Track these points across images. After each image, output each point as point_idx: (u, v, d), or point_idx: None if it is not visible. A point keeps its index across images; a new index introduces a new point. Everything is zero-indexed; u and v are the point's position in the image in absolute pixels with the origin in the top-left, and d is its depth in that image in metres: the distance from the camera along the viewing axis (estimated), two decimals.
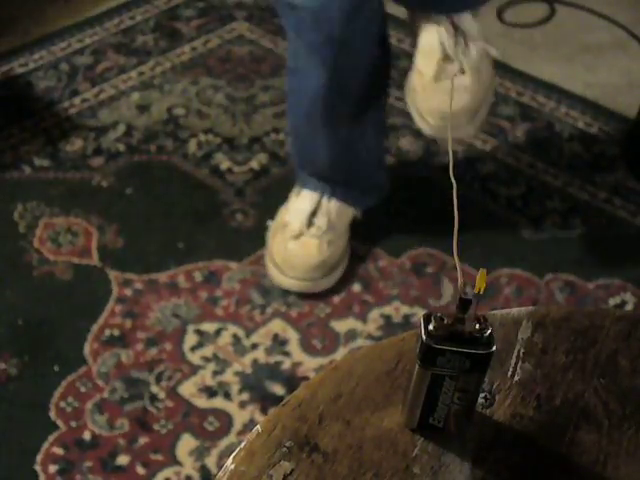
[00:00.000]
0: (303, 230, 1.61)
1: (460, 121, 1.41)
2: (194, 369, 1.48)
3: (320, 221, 1.62)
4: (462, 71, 1.51)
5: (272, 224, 1.67)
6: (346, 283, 1.62)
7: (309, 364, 1.50)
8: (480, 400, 0.73)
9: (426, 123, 1.53)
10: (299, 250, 1.59)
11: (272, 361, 1.50)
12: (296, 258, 1.58)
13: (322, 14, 1.42)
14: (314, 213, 1.62)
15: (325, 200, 1.63)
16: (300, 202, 1.64)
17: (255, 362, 1.50)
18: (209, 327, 1.54)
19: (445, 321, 0.66)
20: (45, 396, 1.43)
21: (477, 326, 0.66)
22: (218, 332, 1.54)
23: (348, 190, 1.64)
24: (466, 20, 1.54)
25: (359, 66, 1.52)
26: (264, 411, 1.43)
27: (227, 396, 1.45)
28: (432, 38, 1.51)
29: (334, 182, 1.62)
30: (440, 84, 1.50)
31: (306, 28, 1.46)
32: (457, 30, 1.51)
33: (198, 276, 1.62)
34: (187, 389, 1.46)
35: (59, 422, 1.40)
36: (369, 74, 1.54)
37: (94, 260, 1.64)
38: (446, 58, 1.51)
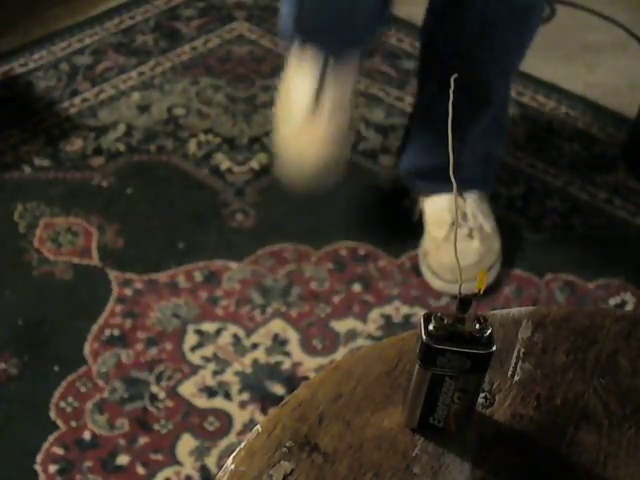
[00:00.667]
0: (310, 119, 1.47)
1: (470, 275, 1.52)
2: (194, 369, 1.48)
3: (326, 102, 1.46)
4: (471, 236, 1.60)
5: (280, 109, 1.54)
6: (346, 283, 1.62)
7: (309, 364, 1.50)
8: (480, 400, 0.73)
9: (437, 277, 1.59)
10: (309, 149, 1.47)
11: (272, 361, 1.50)
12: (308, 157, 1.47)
13: None
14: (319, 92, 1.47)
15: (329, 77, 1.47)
16: (301, 88, 1.49)
17: (255, 362, 1.50)
18: (209, 327, 1.54)
19: (445, 321, 0.66)
20: (45, 396, 1.43)
21: (477, 326, 0.66)
22: (218, 332, 1.54)
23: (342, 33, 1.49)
24: (472, 198, 1.63)
25: None
26: (264, 411, 1.43)
27: (227, 396, 1.45)
28: (442, 208, 1.61)
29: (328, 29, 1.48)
30: (450, 244, 1.56)
31: None
32: (466, 204, 1.61)
33: (198, 276, 1.62)
34: (187, 389, 1.45)
35: (59, 422, 1.40)
36: None
37: (94, 260, 1.64)
38: (455, 223, 1.60)
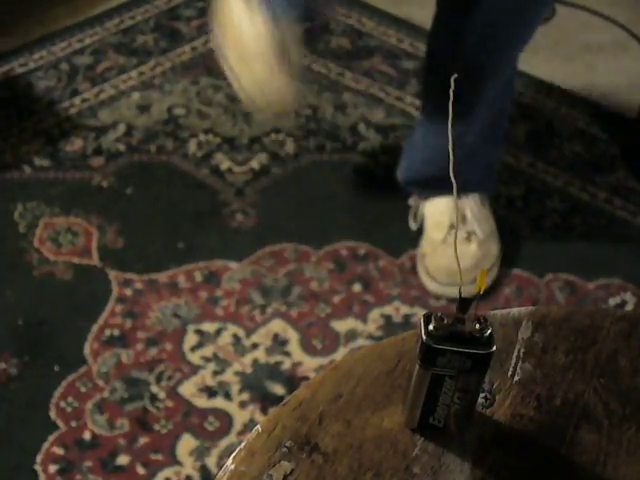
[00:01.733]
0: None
1: (467, 279, 1.54)
2: (194, 369, 1.48)
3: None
4: (469, 240, 1.60)
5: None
6: (346, 283, 1.62)
7: (309, 364, 1.50)
8: (480, 400, 0.73)
9: (433, 280, 1.59)
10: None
11: (272, 361, 1.50)
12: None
13: None
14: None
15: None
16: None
17: (255, 362, 1.50)
18: (209, 327, 1.54)
19: (445, 321, 0.66)
20: (45, 396, 1.43)
21: (477, 326, 0.66)
22: (218, 332, 1.54)
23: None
24: (472, 200, 1.63)
25: None
26: (264, 411, 1.43)
27: (227, 396, 1.45)
28: (441, 211, 1.61)
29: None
30: (448, 247, 1.57)
31: None
32: (465, 207, 1.61)
33: (198, 276, 1.62)
34: (187, 389, 1.45)
35: (59, 422, 1.40)
36: None
37: (94, 260, 1.64)
38: (454, 226, 1.60)
